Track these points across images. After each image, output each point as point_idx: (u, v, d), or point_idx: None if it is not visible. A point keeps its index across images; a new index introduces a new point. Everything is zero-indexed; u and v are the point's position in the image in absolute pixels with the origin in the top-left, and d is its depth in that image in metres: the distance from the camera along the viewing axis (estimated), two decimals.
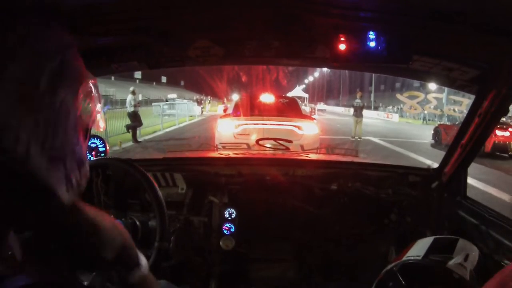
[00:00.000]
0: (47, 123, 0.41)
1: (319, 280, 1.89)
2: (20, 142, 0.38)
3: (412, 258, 0.96)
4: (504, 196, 5.55)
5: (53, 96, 0.42)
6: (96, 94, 0.53)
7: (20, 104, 0.39)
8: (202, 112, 23.41)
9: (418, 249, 0.99)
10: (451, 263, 0.90)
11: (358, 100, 12.41)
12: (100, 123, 1.07)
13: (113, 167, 1.43)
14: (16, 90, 0.38)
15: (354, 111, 12.48)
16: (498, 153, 9.39)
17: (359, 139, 12.06)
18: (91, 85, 0.51)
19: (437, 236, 1.03)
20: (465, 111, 1.51)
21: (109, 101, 23.32)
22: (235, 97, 13.04)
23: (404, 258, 0.98)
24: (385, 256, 1.81)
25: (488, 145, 9.04)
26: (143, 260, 0.74)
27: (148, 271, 0.74)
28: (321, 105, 46.31)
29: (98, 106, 0.57)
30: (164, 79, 60.05)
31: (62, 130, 0.44)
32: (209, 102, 34.03)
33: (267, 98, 7.00)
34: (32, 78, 0.40)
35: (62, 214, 0.48)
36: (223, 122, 6.49)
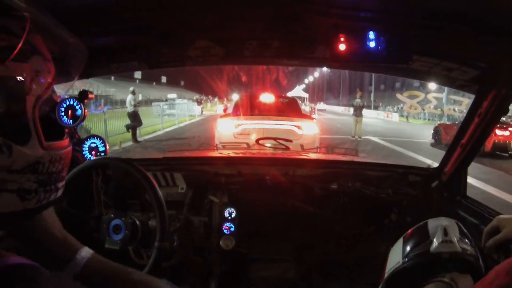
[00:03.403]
0: None
1: (319, 280, 1.89)
2: None
3: (393, 268, 0.87)
4: (504, 196, 5.56)
5: None
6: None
7: None
8: (202, 111, 23.47)
9: (394, 257, 0.90)
10: (433, 246, 0.81)
11: (358, 100, 12.42)
12: None
13: (113, 167, 1.43)
14: None
15: (354, 111, 12.49)
16: (498, 153, 9.40)
17: (359, 139, 12.06)
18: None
19: (403, 235, 0.94)
20: (465, 111, 1.51)
21: (109, 101, 23.33)
22: (235, 97, 13.05)
23: (386, 276, 0.89)
24: (385, 256, 1.80)
25: (488, 145, 9.05)
26: (84, 250, 0.67)
27: (91, 256, 0.67)
28: (321, 105, 46.30)
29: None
30: (164, 79, 60.01)
31: None
32: (209, 101, 33.61)
33: (267, 98, 7.00)
34: None
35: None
36: (223, 122, 6.49)
